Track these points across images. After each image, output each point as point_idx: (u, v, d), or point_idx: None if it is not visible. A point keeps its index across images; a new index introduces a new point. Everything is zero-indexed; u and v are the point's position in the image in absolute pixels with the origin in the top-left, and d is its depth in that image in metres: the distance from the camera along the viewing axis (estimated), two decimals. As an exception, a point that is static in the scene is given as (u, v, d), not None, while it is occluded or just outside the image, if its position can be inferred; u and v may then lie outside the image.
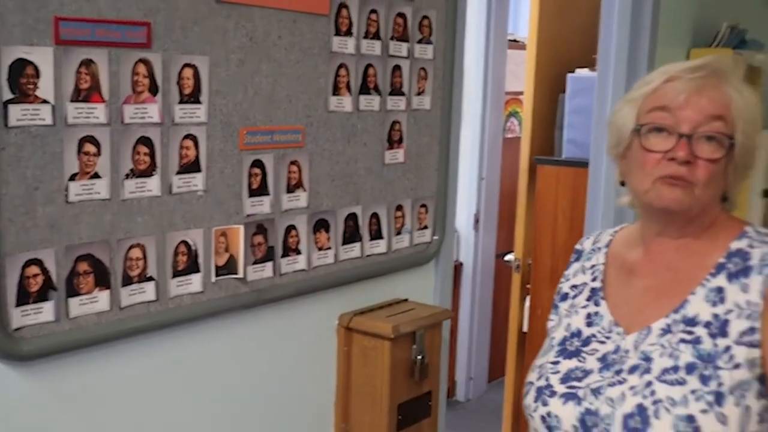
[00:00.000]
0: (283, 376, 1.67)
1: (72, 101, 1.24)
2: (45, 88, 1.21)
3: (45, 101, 1.21)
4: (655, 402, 1.15)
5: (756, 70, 3.01)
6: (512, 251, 3.89)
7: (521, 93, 4.88)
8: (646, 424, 1.14)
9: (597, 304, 1.32)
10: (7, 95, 1.16)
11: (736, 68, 1.23)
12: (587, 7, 3.58)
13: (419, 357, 1.75)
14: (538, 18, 3.37)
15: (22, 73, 1.18)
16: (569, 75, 3.30)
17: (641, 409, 1.15)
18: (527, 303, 3.45)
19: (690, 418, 1.12)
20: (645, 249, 1.29)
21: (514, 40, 4.68)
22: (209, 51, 1.42)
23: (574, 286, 1.38)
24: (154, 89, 1.35)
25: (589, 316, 1.32)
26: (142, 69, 1.33)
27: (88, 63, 1.25)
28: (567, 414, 1.21)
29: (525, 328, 3.46)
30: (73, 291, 1.27)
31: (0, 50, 1.15)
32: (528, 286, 3.46)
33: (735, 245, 1.22)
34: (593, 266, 1.37)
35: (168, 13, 1.35)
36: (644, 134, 1.21)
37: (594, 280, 1.35)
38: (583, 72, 3.31)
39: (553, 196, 3.33)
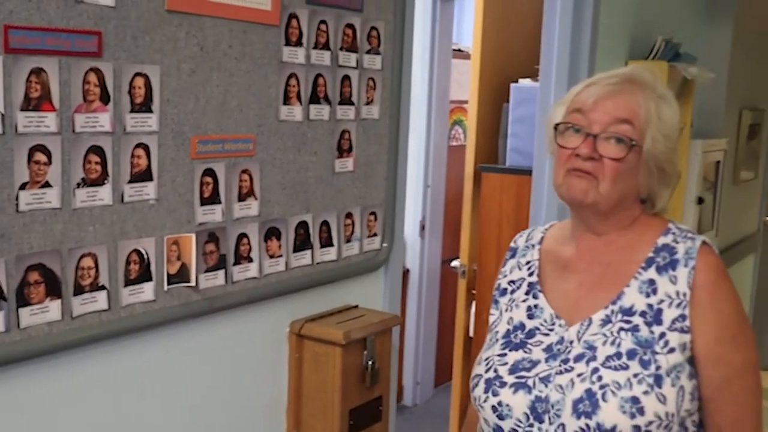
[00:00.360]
0: (235, 384, 1.68)
1: (22, 110, 1.23)
2: (-6, 96, 1.20)
3: (-6, 110, 1.20)
4: (602, 387, 1.23)
5: (690, 83, 3.15)
6: (458, 257, 3.96)
7: (465, 102, 4.97)
8: (596, 407, 1.22)
9: (536, 297, 1.40)
10: (-44, 104, 1.15)
11: (656, 79, 1.34)
12: (529, 19, 3.68)
13: (370, 362, 1.78)
14: (482, 29, 3.44)
15: (-30, 82, 1.17)
16: (512, 85, 3.39)
17: (590, 393, 1.24)
18: (473, 308, 3.51)
19: (634, 400, 1.21)
20: (576, 246, 1.39)
21: (459, 50, 4.77)
22: (160, 60, 1.43)
23: (511, 282, 1.46)
24: (105, 98, 1.35)
25: (529, 309, 1.39)
26: (93, 78, 1.33)
27: (38, 72, 1.25)
28: (518, 402, 1.29)
29: (471, 333, 3.52)
30: (23, 301, 1.26)
31: (-52, 58, 1.14)
32: (474, 291, 3.52)
33: (661, 240, 1.33)
34: (528, 262, 1.45)
35: (118, 22, 1.35)
36: (561, 132, 1.33)
37: (531, 275, 1.43)
38: (525, 82, 3.40)
39: (497, 203, 3.40)
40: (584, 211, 1.34)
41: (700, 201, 3.35)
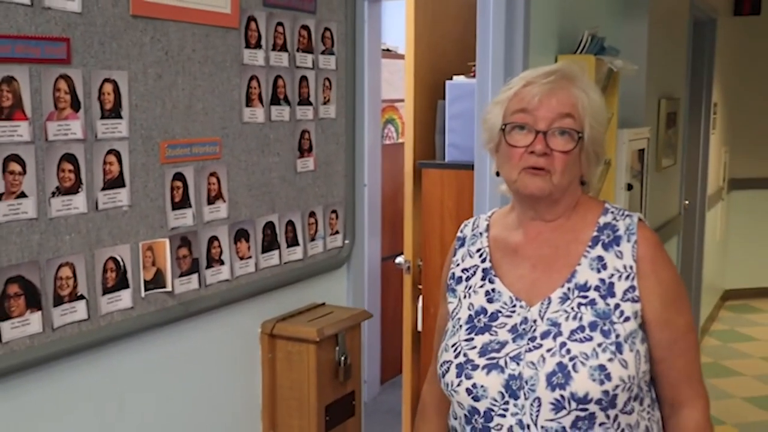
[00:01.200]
0: (211, 387, 1.67)
1: (-5, 120, 1.21)
2: (-33, 106, 1.17)
3: (-32, 120, 1.17)
4: (571, 358, 1.33)
5: (615, 75, 3.30)
6: (397, 254, 4.01)
7: (396, 101, 5.05)
8: (568, 378, 1.31)
9: (492, 281, 1.47)
10: (-71, 115, 1.12)
11: (583, 72, 1.45)
12: (459, 18, 3.77)
13: (343, 358, 1.81)
14: (414, 28, 3.51)
15: (-58, 92, 1.14)
16: (448, 82, 3.46)
17: (561, 366, 1.32)
18: (420, 303, 3.57)
19: (602, 367, 1.32)
20: (524, 231, 1.47)
21: (387, 50, 4.83)
22: (127, 66, 1.42)
23: (465, 269, 1.52)
24: (76, 105, 1.33)
25: (488, 293, 1.46)
26: (63, 85, 1.31)
27: (9, 80, 1.23)
28: (492, 382, 1.36)
29: (419, 327, 3.58)
30: (4, 314, 1.24)
31: None
32: (420, 286, 3.58)
33: (602, 220, 1.45)
34: (479, 249, 1.52)
35: (85, 28, 1.34)
36: (509, 132, 1.40)
37: (483, 261, 1.50)
38: (460, 79, 3.48)
39: (438, 198, 3.47)
40: (538, 202, 1.43)
41: (630, 187, 3.52)
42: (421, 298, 3.57)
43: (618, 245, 1.40)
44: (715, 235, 6.08)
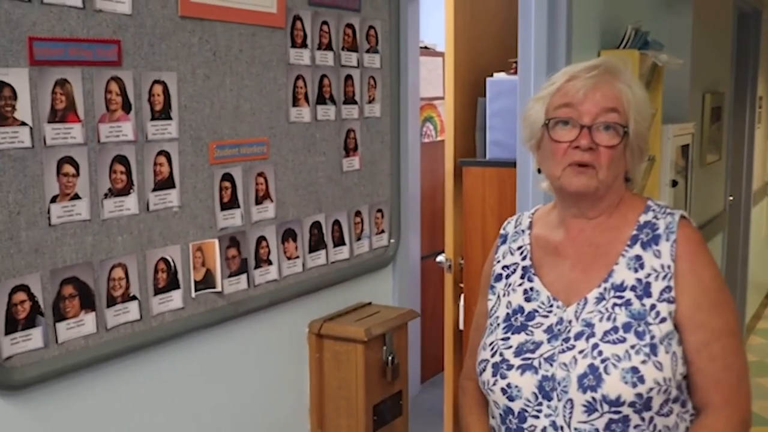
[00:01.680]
0: (259, 387, 1.67)
1: (49, 122, 1.22)
2: (22, 110, 1.18)
3: (23, 123, 1.18)
4: (603, 360, 1.30)
5: (659, 69, 3.24)
6: (435, 252, 3.99)
7: (434, 99, 5.02)
8: (599, 380, 1.29)
9: (531, 280, 1.45)
10: (-13, 119, 1.13)
11: (626, 66, 1.43)
12: (497, 14, 3.74)
13: (390, 357, 1.79)
14: (454, 26, 3.48)
15: (-1, 96, 1.15)
16: (488, 79, 3.43)
17: (593, 368, 1.30)
18: (461, 301, 3.55)
19: (634, 370, 1.29)
20: (565, 230, 1.45)
21: (425, 47, 4.81)
22: (176, 67, 1.42)
23: (505, 267, 1.51)
24: (127, 107, 1.34)
25: (526, 292, 1.45)
26: (114, 87, 1.32)
27: (62, 83, 1.23)
28: (526, 383, 1.35)
29: (461, 326, 3.56)
30: (60, 315, 1.25)
31: (-22, 73, 1.12)
32: (461, 284, 3.56)
33: (643, 218, 1.41)
34: (520, 247, 1.51)
35: (135, 30, 1.34)
36: (552, 127, 1.38)
37: (524, 259, 1.49)
38: (500, 76, 3.45)
39: (480, 196, 3.44)
40: (582, 199, 1.40)
41: (674, 184, 3.45)
42: (462, 296, 3.54)
43: (657, 244, 1.37)
44: (761, 232, 5.95)
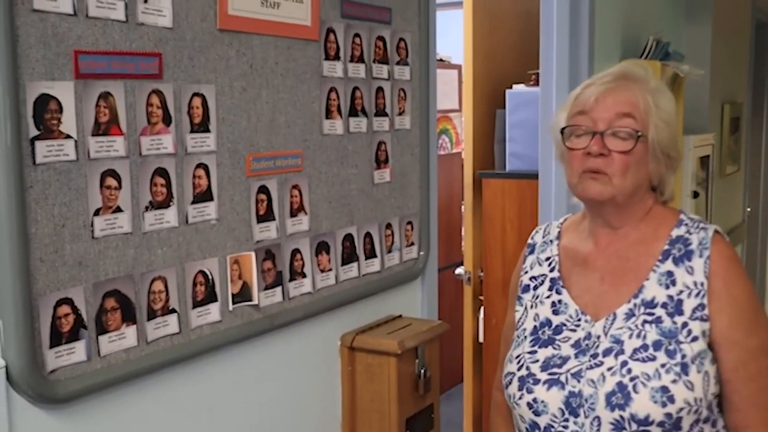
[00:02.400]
0: (293, 400, 1.66)
1: (93, 135, 1.22)
2: (68, 123, 1.18)
3: (68, 136, 1.18)
4: (632, 379, 1.27)
5: (680, 80, 3.23)
6: (452, 264, 3.98)
7: (449, 111, 5.03)
8: (628, 399, 1.26)
9: (559, 292, 1.43)
10: (33, 132, 1.13)
11: (647, 73, 1.40)
12: (515, 27, 3.74)
13: (423, 371, 1.78)
14: (473, 37, 3.49)
15: (45, 109, 1.15)
16: (508, 91, 3.43)
17: (621, 386, 1.27)
18: (481, 314, 3.53)
19: (664, 389, 1.25)
20: (594, 241, 1.42)
21: (440, 60, 4.82)
22: (214, 79, 1.43)
23: (533, 278, 1.48)
24: (167, 119, 1.34)
25: (554, 304, 1.42)
26: (155, 100, 1.32)
27: (106, 96, 1.24)
28: (552, 398, 1.32)
29: (481, 339, 3.54)
30: (102, 328, 1.24)
31: (25, 86, 1.12)
32: (481, 297, 3.55)
33: (675, 232, 1.37)
34: (548, 258, 1.48)
35: (176, 43, 1.35)
36: (567, 136, 1.37)
37: (552, 270, 1.46)
38: (520, 87, 3.45)
39: (500, 209, 3.44)
40: (602, 207, 1.38)
41: (696, 195, 3.43)
42: (482, 309, 3.53)
43: (689, 260, 1.33)
44: (778, 243, 5.91)
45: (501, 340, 1.57)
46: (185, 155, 1.38)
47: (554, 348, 1.37)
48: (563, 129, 1.37)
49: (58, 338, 1.18)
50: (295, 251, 1.62)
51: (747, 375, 1.30)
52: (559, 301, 1.42)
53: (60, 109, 1.17)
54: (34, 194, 1.14)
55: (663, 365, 1.27)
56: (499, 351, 1.57)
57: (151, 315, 1.32)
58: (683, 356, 1.28)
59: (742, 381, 1.30)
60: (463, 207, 4.44)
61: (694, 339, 1.29)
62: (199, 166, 1.40)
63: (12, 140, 1.09)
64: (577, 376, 1.31)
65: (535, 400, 1.33)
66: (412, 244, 1.98)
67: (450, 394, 4.73)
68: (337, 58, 1.70)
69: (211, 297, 1.43)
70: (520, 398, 1.36)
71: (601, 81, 1.35)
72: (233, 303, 1.47)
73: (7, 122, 1.08)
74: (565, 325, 1.39)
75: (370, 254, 1.84)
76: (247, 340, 1.51)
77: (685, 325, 1.30)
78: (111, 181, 1.25)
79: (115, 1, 1.23)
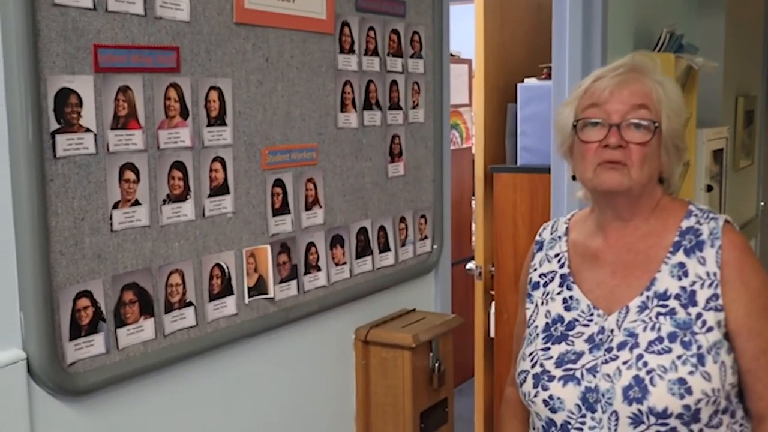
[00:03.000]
0: (307, 392, 1.67)
1: (112, 129, 1.23)
2: (87, 116, 1.19)
3: (88, 130, 1.19)
4: (648, 372, 1.27)
5: (694, 73, 3.21)
6: (462, 259, 3.97)
7: (460, 105, 5.01)
8: (645, 392, 1.26)
9: (569, 288, 1.42)
10: (54, 126, 1.14)
11: (655, 64, 1.40)
12: (526, 20, 3.73)
13: (437, 364, 1.79)
14: (484, 31, 3.48)
15: (66, 103, 1.15)
16: (519, 85, 3.42)
17: (638, 379, 1.27)
18: (492, 309, 3.53)
19: (681, 381, 1.25)
20: (604, 236, 1.42)
21: (451, 54, 4.80)
22: (231, 73, 1.43)
23: (543, 275, 1.48)
24: (184, 113, 1.34)
25: (565, 300, 1.42)
26: (173, 93, 1.32)
27: (125, 90, 1.24)
28: (568, 394, 1.32)
29: (492, 334, 3.54)
30: (120, 321, 1.25)
31: (46, 80, 1.12)
32: (492, 292, 3.54)
33: (685, 224, 1.37)
34: (557, 254, 1.48)
35: (193, 37, 1.35)
36: (581, 129, 1.36)
37: (562, 266, 1.46)
38: (531, 81, 3.44)
39: (511, 203, 3.43)
40: (617, 199, 1.37)
41: (710, 189, 3.42)
42: (493, 304, 3.52)
43: (701, 251, 1.34)
44: (791, 238, 5.88)
45: (513, 339, 1.57)
46: (202, 149, 1.38)
47: (567, 344, 1.37)
48: (576, 122, 1.37)
49: (77, 331, 1.19)
50: (310, 244, 1.62)
51: (766, 364, 1.30)
52: (571, 297, 1.41)
53: (80, 103, 1.18)
54: (55, 187, 1.15)
55: (679, 357, 1.27)
56: (512, 348, 1.57)
57: (169, 308, 1.33)
58: (699, 347, 1.28)
59: (763, 369, 1.31)
60: (473, 202, 4.44)
61: (709, 329, 1.29)
62: (215, 159, 1.41)
63: (33, 134, 1.09)
64: (592, 371, 1.31)
65: (551, 396, 1.33)
66: (426, 237, 1.98)
67: (461, 389, 4.74)
68: (351, 51, 1.70)
69: (227, 290, 1.44)
70: (535, 396, 1.35)
71: (614, 73, 1.35)
72: (249, 296, 1.47)
73: (29, 116, 1.08)
74: (577, 320, 1.39)
75: (384, 248, 1.84)
76: (262, 333, 1.52)
77: (699, 315, 1.30)
78: (129, 175, 1.26)
79: (133, -5, 1.24)
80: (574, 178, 1.45)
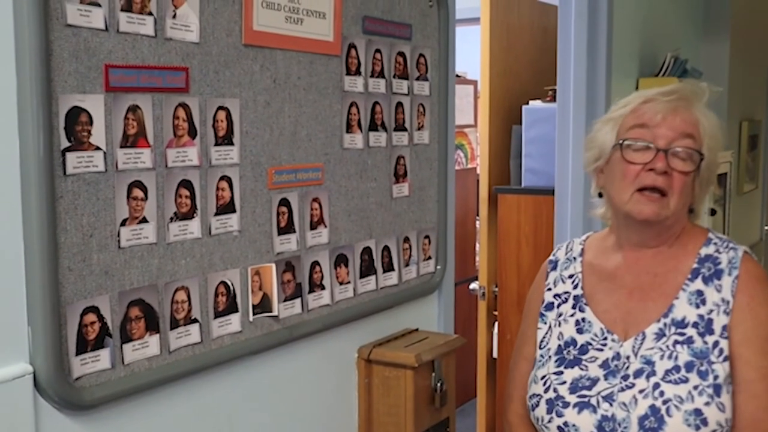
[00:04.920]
0: (310, 410, 1.68)
1: (121, 147, 1.25)
2: (97, 135, 1.21)
3: (98, 148, 1.21)
4: (665, 402, 1.26)
5: (698, 97, 3.23)
6: (466, 279, 3.98)
7: (465, 126, 5.04)
8: (661, 422, 1.25)
9: (582, 310, 1.41)
10: (65, 143, 1.16)
11: (702, 94, 1.40)
12: (532, 43, 3.76)
13: (439, 384, 1.79)
14: (489, 54, 3.51)
15: (77, 121, 1.18)
16: (524, 107, 3.45)
17: (654, 409, 1.26)
18: (495, 329, 3.53)
19: (697, 412, 1.25)
20: (623, 256, 1.41)
21: (456, 75, 4.84)
22: (239, 93, 1.45)
23: (557, 295, 1.47)
24: (193, 132, 1.36)
25: (578, 323, 1.41)
26: (181, 113, 1.34)
27: (134, 109, 1.26)
28: (584, 422, 1.31)
29: (495, 354, 3.54)
30: (126, 337, 1.27)
31: (57, 99, 1.15)
32: (495, 312, 3.55)
33: (704, 251, 1.37)
34: (571, 275, 1.47)
35: (202, 57, 1.38)
36: (625, 148, 1.35)
37: (575, 287, 1.45)
38: (536, 103, 3.46)
39: (515, 224, 3.45)
40: (650, 227, 1.36)
41: (713, 212, 3.43)
42: (496, 324, 3.53)
43: (719, 279, 1.33)
44: (795, 262, 5.86)
45: (513, 353, 1.56)
46: (209, 167, 1.40)
47: (581, 368, 1.36)
48: (622, 141, 1.35)
49: (83, 346, 1.20)
50: (315, 263, 1.64)
51: (751, 393, 1.28)
52: (583, 320, 1.41)
53: (90, 122, 1.20)
54: (64, 204, 1.16)
55: (696, 387, 1.26)
56: (510, 363, 1.56)
57: (174, 324, 1.34)
58: (716, 377, 1.27)
59: (746, 399, 1.28)
60: (477, 222, 4.45)
61: (726, 358, 1.29)
62: (222, 178, 1.43)
63: (44, 151, 1.11)
64: (608, 398, 1.30)
65: (566, 423, 1.32)
66: (429, 258, 2.00)
67: (463, 409, 4.72)
68: (358, 73, 1.73)
69: (232, 308, 1.45)
70: (549, 421, 1.34)
71: (667, 98, 1.35)
72: (253, 314, 1.49)
73: (40, 134, 1.11)
74: (590, 344, 1.38)
75: (388, 267, 1.85)
76: (266, 350, 1.53)
77: (716, 344, 1.30)
78: (137, 192, 1.28)
79: (145, 17, 1.26)
80: (600, 195, 1.46)
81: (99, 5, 1.19)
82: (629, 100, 1.40)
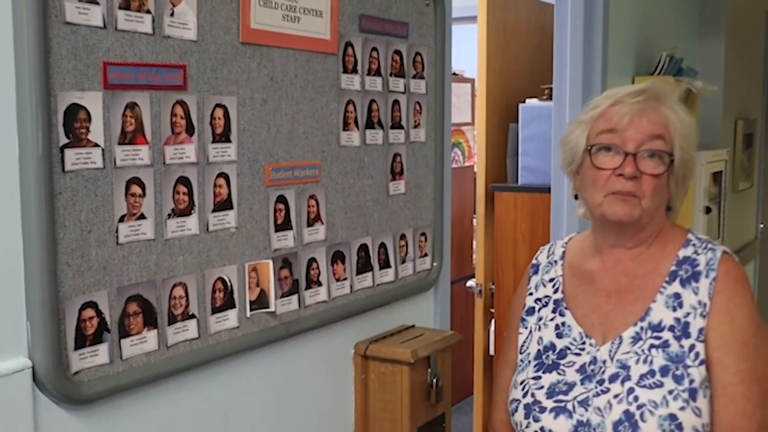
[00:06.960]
0: (306, 406, 1.69)
1: (119, 144, 1.26)
2: (96, 132, 1.22)
3: (96, 145, 1.22)
4: (639, 407, 1.25)
5: (693, 96, 3.25)
6: (462, 277, 4.00)
7: (462, 124, 5.06)
8: (635, 428, 1.24)
9: (562, 314, 1.41)
10: (63, 140, 1.17)
11: (672, 92, 1.40)
12: (529, 41, 3.78)
13: (435, 380, 1.80)
14: (486, 52, 3.52)
15: (75, 118, 1.19)
16: (521, 105, 3.46)
17: (628, 415, 1.25)
18: (492, 327, 3.55)
19: (672, 417, 1.23)
20: (601, 258, 1.41)
21: (453, 73, 4.85)
22: (236, 91, 1.46)
23: (538, 299, 1.47)
24: (190, 130, 1.38)
25: (557, 327, 1.41)
26: (179, 110, 1.35)
27: (132, 106, 1.27)
28: (560, 427, 1.30)
29: (491, 352, 3.56)
30: (124, 332, 1.28)
31: (56, 96, 1.16)
32: (492, 310, 3.56)
33: (682, 253, 1.36)
34: (552, 279, 1.47)
35: (200, 55, 1.39)
36: (594, 153, 1.34)
37: (556, 291, 1.45)
38: (533, 102, 3.48)
39: (512, 222, 3.46)
40: (624, 228, 1.36)
41: (708, 211, 3.44)
42: (493, 322, 3.54)
43: (696, 281, 1.32)
44: (791, 260, 5.89)
45: (498, 360, 1.55)
46: (207, 165, 1.41)
47: (559, 373, 1.35)
48: (590, 146, 1.34)
49: (82, 340, 1.21)
50: (312, 260, 1.65)
51: (728, 398, 1.27)
52: (563, 324, 1.40)
53: (89, 119, 1.21)
54: (63, 200, 1.18)
55: (671, 392, 1.25)
56: (495, 370, 1.56)
57: (172, 320, 1.35)
58: (691, 381, 1.26)
59: (723, 403, 1.27)
60: (474, 220, 4.46)
61: (702, 362, 1.27)
62: (220, 175, 1.44)
63: (43, 148, 1.12)
64: (584, 404, 1.30)
65: (542, 428, 1.32)
66: (426, 255, 2.01)
67: (460, 406, 4.74)
68: (354, 71, 1.74)
69: (229, 303, 1.46)
70: (527, 426, 1.34)
71: (633, 100, 1.33)
72: (250, 310, 1.50)
73: (39, 131, 1.12)
74: (569, 348, 1.37)
75: (385, 264, 1.86)
76: (263, 346, 1.54)
77: (692, 348, 1.28)
78: (135, 189, 1.29)
79: (143, 15, 1.27)
80: (576, 197, 1.45)
81: (97, 3, 1.20)
82: (598, 102, 1.38)
